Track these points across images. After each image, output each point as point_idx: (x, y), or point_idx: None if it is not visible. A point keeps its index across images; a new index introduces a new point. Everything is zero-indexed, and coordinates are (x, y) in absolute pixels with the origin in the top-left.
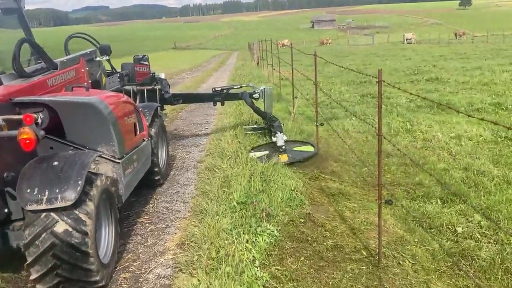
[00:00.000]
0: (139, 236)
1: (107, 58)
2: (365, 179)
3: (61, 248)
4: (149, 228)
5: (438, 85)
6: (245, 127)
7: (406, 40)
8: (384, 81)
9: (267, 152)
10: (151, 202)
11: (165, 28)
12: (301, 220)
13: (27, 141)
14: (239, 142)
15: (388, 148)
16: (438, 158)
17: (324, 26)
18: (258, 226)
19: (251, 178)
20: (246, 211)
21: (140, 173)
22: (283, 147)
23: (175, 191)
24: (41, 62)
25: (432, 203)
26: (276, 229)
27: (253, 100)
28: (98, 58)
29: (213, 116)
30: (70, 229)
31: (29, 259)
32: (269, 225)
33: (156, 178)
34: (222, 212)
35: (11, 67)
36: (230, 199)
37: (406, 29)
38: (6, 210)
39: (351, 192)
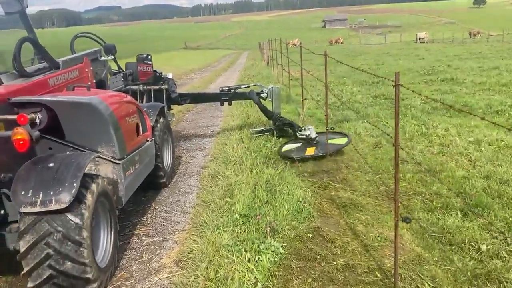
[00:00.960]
0: (134, 250)
1: (112, 57)
2: (378, 187)
3: (56, 249)
4: (145, 242)
5: (453, 85)
6: (252, 130)
7: (419, 39)
8: (402, 85)
9: (299, 144)
10: (149, 211)
11: (176, 28)
12: (309, 235)
13: (21, 142)
14: (244, 147)
15: (403, 154)
16: (457, 164)
17: (335, 26)
18: (262, 242)
19: (255, 187)
20: (249, 224)
21: (142, 175)
22: (317, 138)
23: (175, 199)
24: (44, 62)
25: (451, 215)
26: (281, 246)
27: (261, 99)
28: (103, 58)
29: (220, 118)
30: (65, 232)
31: (25, 269)
32: (274, 241)
33: (161, 180)
34: (223, 226)
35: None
36: (233, 210)
37: (419, 29)
38: (2, 212)
39: (364, 203)
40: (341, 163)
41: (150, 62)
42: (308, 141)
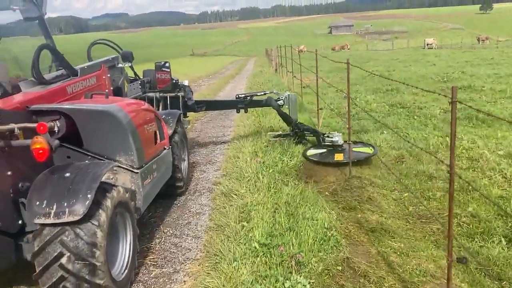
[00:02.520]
0: (141, 284)
1: (130, 64)
2: (406, 208)
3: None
4: (153, 273)
5: (472, 93)
6: (270, 133)
7: (427, 45)
8: (460, 102)
9: (324, 150)
10: (158, 236)
11: (183, 35)
12: (338, 267)
13: (40, 151)
14: (259, 161)
15: (430, 169)
16: (491, 182)
17: (342, 32)
18: (286, 279)
19: (275, 211)
20: (271, 256)
21: (160, 183)
22: (343, 145)
23: (185, 221)
24: (62, 69)
25: (494, 242)
26: (309, 283)
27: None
28: (120, 65)
29: (230, 128)
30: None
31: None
32: (300, 276)
33: (179, 188)
34: (240, 257)
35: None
36: (251, 237)
37: (425, 34)
38: (20, 222)
39: (394, 227)
40: (364, 180)
41: (169, 70)
42: (334, 148)
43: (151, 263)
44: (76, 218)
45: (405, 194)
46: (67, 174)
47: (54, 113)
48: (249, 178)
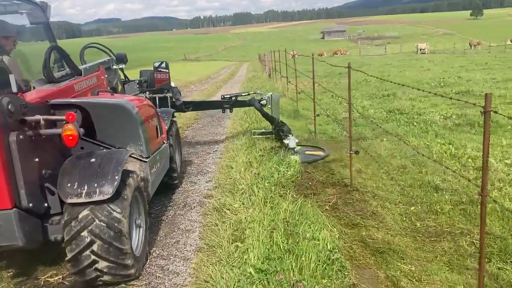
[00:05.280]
0: None
1: (124, 66)
2: (413, 223)
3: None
4: None
5: (471, 98)
6: (254, 131)
7: (420, 50)
8: (497, 112)
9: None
10: None
11: (176, 40)
12: None
13: (70, 137)
14: (253, 172)
15: (436, 179)
16: (501, 194)
17: (334, 37)
18: None
19: (272, 230)
20: (268, 284)
21: (161, 174)
22: (295, 149)
23: (174, 240)
24: (63, 69)
25: None
26: None
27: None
28: (114, 67)
29: (223, 136)
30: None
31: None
32: None
33: (175, 181)
34: (234, 285)
35: (39, 74)
36: (245, 260)
37: (418, 40)
38: (46, 204)
39: (402, 246)
40: (367, 193)
41: (167, 70)
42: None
43: None
44: (106, 197)
45: (411, 208)
46: (93, 160)
47: (71, 106)
48: (243, 190)
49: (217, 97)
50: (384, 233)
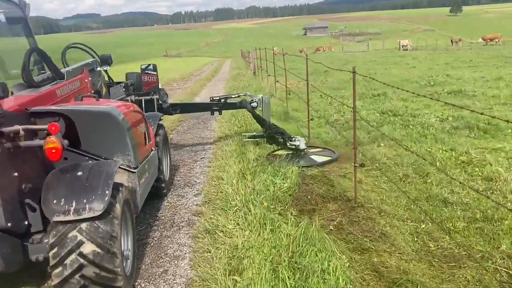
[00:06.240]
0: None
1: (108, 68)
2: (426, 244)
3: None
4: None
5: (464, 99)
6: (244, 134)
7: (402, 47)
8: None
9: (289, 152)
10: None
11: (157, 35)
12: None
13: (53, 151)
14: (248, 187)
15: (444, 192)
16: None
17: (316, 33)
18: None
19: (275, 261)
20: None
21: (150, 183)
22: (305, 150)
23: (161, 269)
24: (44, 72)
25: None
26: None
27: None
28: (98, 68)
29: (211, 140)
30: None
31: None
32: None
33: (162, 189)
34: None
35: (17, 77)
36: None
37: (399, 36)
38: (26, 222)
39: (418, 273)
40: (372, 209)
41: (155, 72)
42: (297, 152)
43: None
44: (97, 213)
45: (421, 226)
46: (79, 173)
47: (53, 114)
48: (237, 207)
49: (201, 96)
50: (398, 259)
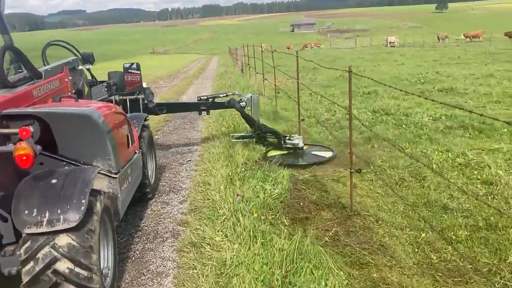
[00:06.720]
0: None
1: (90, 67)
2: (428, 255)
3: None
4: None
5: (456, 97)
6: (232, 134)
7: (390, 43)
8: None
9: (284, 152)
10: None
11: (143, 32)
12: None
13: (24, 158)
14: (237, 197)
15: (442, 197)
16: None
17: (304, 30)
18: None
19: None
20: None
21: (134, 188)
22: (303, 148)
23: None
24: (21, 71)
25: None
26: None
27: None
28: (80, 67)
29: (197, 142)
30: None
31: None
32: None
33: (147, 195)
34: None
35: None
36: None
37: (386, 33)
38: None
39: None
40: (369, 217)
41: (138, 71)
42: (295, 150)
43: None
44: (72, 224)
45: (421, 235)
46: (54, 181)
47: (27, 117)
48: (225, 217)
49: (188, 95)
50: (399, 273)
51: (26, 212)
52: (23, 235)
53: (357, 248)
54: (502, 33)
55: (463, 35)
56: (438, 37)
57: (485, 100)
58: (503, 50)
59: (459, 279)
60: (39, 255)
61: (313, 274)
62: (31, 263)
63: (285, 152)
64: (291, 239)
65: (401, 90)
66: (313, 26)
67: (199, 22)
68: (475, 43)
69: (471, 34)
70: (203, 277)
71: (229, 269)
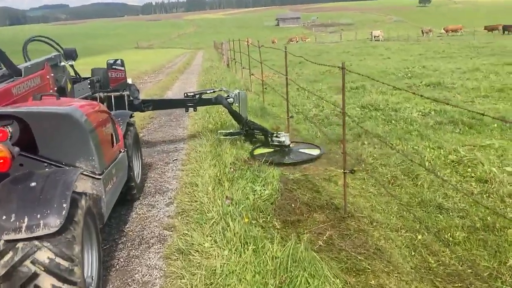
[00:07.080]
0: None
1: (73, 63)
2: (426, 259)
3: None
4: None
5: (443, 91)
6: (220, 131)
7: (374, 37)
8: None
9: (271, 150)
10: None
11: (127, 26)
12: None
13: (1, 161)
14: (226, 200)
15: (437, 197)
16: None
17: (289, 24)
18: None
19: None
20: None
21: (118, 189)
22: (290, 145)
23: None
24: (1, 68)
25: None
26: None
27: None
28: (62, 63)
29: (183, 139)
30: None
31: None
32: None
33: (133, 193)
34: None
35: None
36: None
37: (371, 27)
38: None
39: None
40: (363, 219)
41: (123, 68)
42: (281, 148)
43: None
44: (53, 230)
45: (418, 237)
46: (33, 184)
47: (5, 117)
48: (214, 220)
49: (173, 90)
50: (397, 280)
51: (4, 217)
52: (1, 241)
53: (353, 253)
54: (483, 27)
55: (443, 29)
56: (422, 31)
57: (473, 94)
58: (486, 44)
59: (459, 284)
60: (19, 264)
61: (309, 283)
62: (12, 274)
63: (272, 149)
64: (284, 245)
65: (389, 85)
66: (298, 20)
67: (183, 16)
68: (458, 37)
69: (451, 28)
70: (192, 287)
71: (219, 279)
